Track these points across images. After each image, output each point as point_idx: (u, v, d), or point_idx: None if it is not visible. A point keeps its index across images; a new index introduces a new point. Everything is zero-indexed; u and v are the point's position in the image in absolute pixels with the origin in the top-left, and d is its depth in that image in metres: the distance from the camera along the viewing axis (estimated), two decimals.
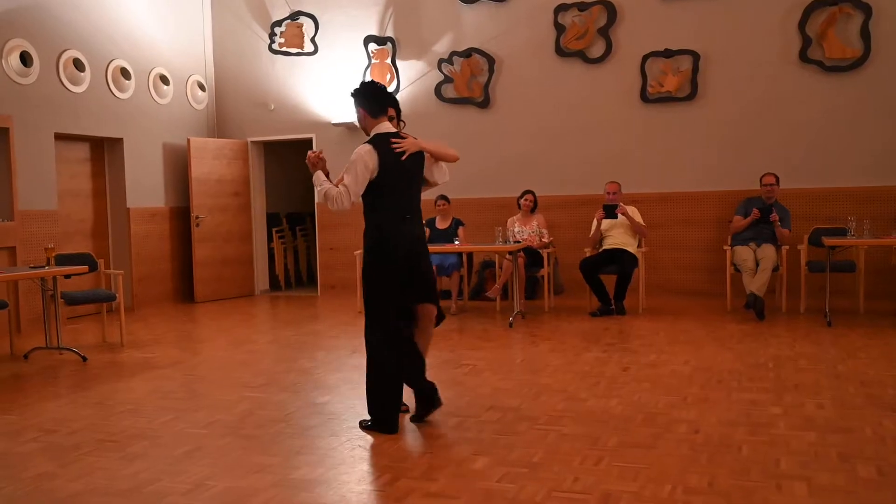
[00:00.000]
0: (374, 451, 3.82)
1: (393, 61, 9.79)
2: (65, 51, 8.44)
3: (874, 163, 8.17)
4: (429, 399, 4.23)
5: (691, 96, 8.72)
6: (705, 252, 8.69)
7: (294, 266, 11.34)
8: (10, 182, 7.67)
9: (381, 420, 4.11)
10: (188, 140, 9.84)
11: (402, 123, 4.50)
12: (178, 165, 9.98)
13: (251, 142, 10.56)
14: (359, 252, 8.74)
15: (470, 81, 9.48)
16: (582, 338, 6.63)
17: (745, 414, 4.20)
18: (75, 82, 8.55)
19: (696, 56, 8.65)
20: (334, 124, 10.04)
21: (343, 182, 4.10)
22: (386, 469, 3.56)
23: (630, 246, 7.93)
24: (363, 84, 4.33)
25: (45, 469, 3.66)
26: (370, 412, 4.18)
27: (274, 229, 10.92)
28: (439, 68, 9.57)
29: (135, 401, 4.94)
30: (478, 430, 4.07)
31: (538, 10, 9.19)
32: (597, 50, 9.03)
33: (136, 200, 9.38)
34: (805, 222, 8.04)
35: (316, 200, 10.36)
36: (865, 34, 8.13)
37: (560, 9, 9.08)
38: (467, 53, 9.46)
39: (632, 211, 7.96)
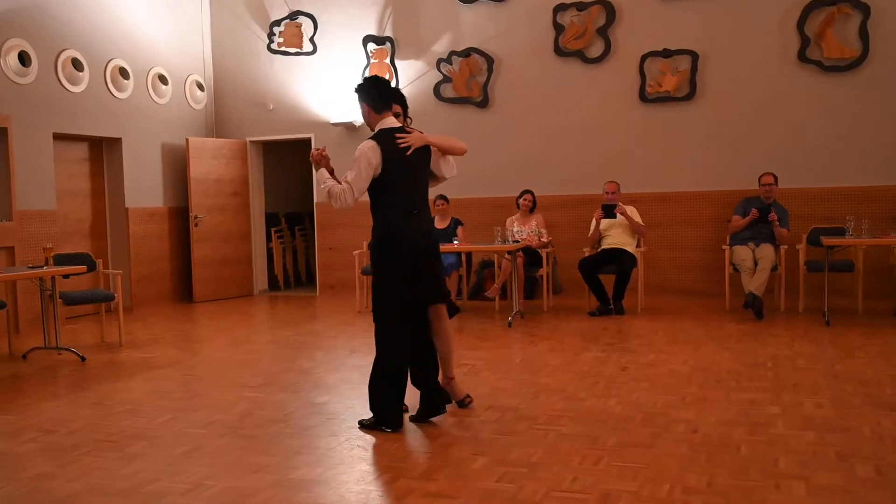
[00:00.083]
0: (374, 450, 3.82)
1: (392, 61, 9.79)
2: (63, 50, 8.43)
3: (873, 162, 8.18)
4: (433, 404, 4.21)
5: (690, 96, 8.72)
6: (704, 252, 8.69)
7: (293, 266, 11.34)
8: (8, 182, 7.67)
9: (382, 419, 4.10)
10: (187, 140, 9.84)
11: (408, 120, 4.47)
12: (177, 165, 9.98)
13: (250, 141, 10.55)
14: (358, 252, 8.78)
15: (469, 81, 9.48)
16: (581, 337, 6.64)
17: (743, 413, 4.20)
18: (74, 82, 8.54)
19: (694, 56, 8.66)
20: (333, 124, 10.04)
21: (346, 179, 4.10)
22: (385, 469, 3.56)
23: (629, 246, 7.93)
24: (367, 79, 4.30)
25: (43, 469, 3.65)
26: (371, 409, 4.17)
27: (273, 229, 10.92)
28: (438, 68, 9.57)
29: (133, 401, 4.94)
30: (477, 430, 4.08)
31: (537, 10, 9.19)
32: (596, 50, 9.03)
33: (134, 200, 9.38)
34: (803, 222, 8.04)
35: (315, 200, 10.36)
36: (864, 34, 8.13)
37: (559, 8, 9.08)
38: (466, 53, 9.46)
39: (630, 211, 7.96)
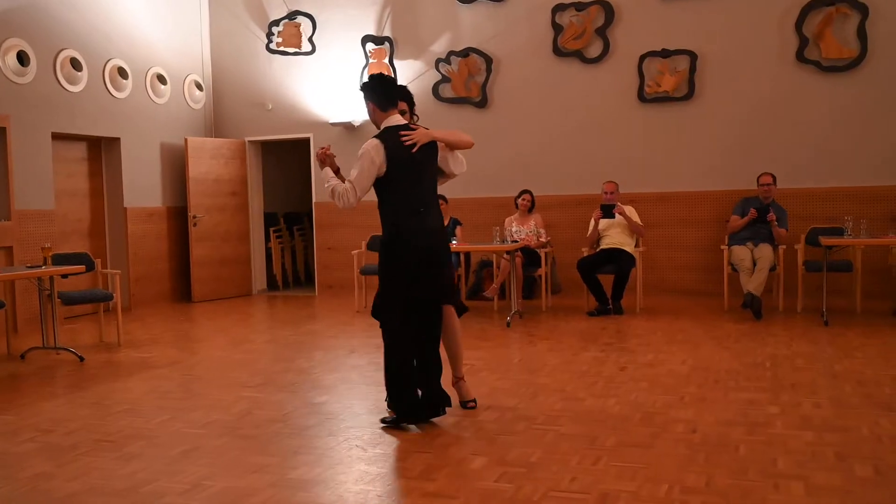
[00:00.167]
0: (372, 450, 3.82)
1: (391, 61, 9.78)
2: (62, 50, 8.43)
3: (872, 163, 8.18)
4: (432, 406, 4.20)
5: (688, 96, 8.72)
6: (703, 252, 8.70)
7: (292, 266, 11.33)
8: (6, 181, 7.66)
9: (403, 413, 4.11)
10: (185, 139, 9.83)
11: (415, 117, 4.44)
12: (176, 165, 9.97)
13: (249, 141, 10.54)
14: (357, 251, 8.78)
15: (467, 81, 9.48)
16: (579, 337, 6.64)
17: (742, 413, 4.20)
18: (72, 82, 8.53)
19: (693, 56, 8.66)
20: (332, 124, 10.04)
21: (349, 178, 4.09)
22: (384, 469, 3.56)
23: (627, 245, 7.93)
24: (371, 77, 4.28)
25: (41, 469, 3.65)
26: (390, 407, 4.20)
27: (271, 229, 10.91)
28: (437, 68, 9.57)
29: (132, 401, 4.93)
30: (476, 430, 4.08)
31: (536, 10, 9.19)
32: (594, 50, 9.03)
33: (133, 200, 9.37)
34: (802, 222, 8.05)
35: (314, 200, 10.36)
36: (862, 34, 8.14)
37: (557, 8, 9.08)
38: (465, 53, 9.46)
39: (629, 210, 7.96)
